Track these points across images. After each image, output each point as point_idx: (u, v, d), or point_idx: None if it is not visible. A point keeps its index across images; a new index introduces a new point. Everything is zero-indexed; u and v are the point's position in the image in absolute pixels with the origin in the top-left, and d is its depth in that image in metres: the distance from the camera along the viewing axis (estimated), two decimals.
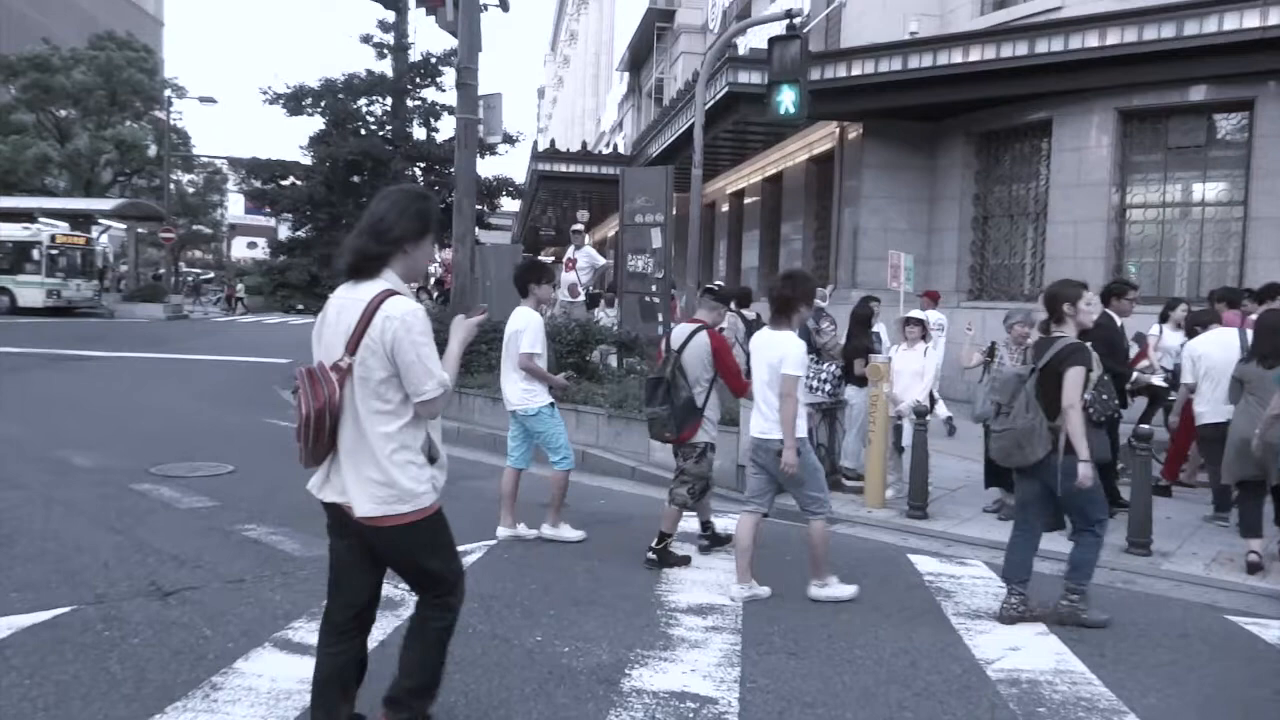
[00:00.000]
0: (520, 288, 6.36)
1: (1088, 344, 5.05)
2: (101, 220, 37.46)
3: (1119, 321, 7.81)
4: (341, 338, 2.92)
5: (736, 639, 4.57)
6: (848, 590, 5.30)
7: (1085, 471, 4.77)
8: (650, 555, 5.81)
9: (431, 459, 3.04)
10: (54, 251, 31.24)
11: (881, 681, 4.14)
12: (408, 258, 3.03)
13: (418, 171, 17.69)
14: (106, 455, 8.64)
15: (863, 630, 4.79)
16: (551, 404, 6.34)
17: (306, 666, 3.91)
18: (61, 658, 3.98)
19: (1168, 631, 4.98)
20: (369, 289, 2.94)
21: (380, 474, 2.93)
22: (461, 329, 3.23)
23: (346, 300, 2.97)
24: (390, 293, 2.92)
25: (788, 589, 5.37)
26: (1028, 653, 4.57)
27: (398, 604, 4.82)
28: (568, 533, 6.37)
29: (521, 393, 6.26)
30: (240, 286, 46.12)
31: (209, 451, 9.04)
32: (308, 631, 4.37)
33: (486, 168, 27.29)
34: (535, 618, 4.75)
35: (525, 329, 6.13)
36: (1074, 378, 4.83)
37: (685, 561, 5.85)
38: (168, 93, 40.65)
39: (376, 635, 4.34)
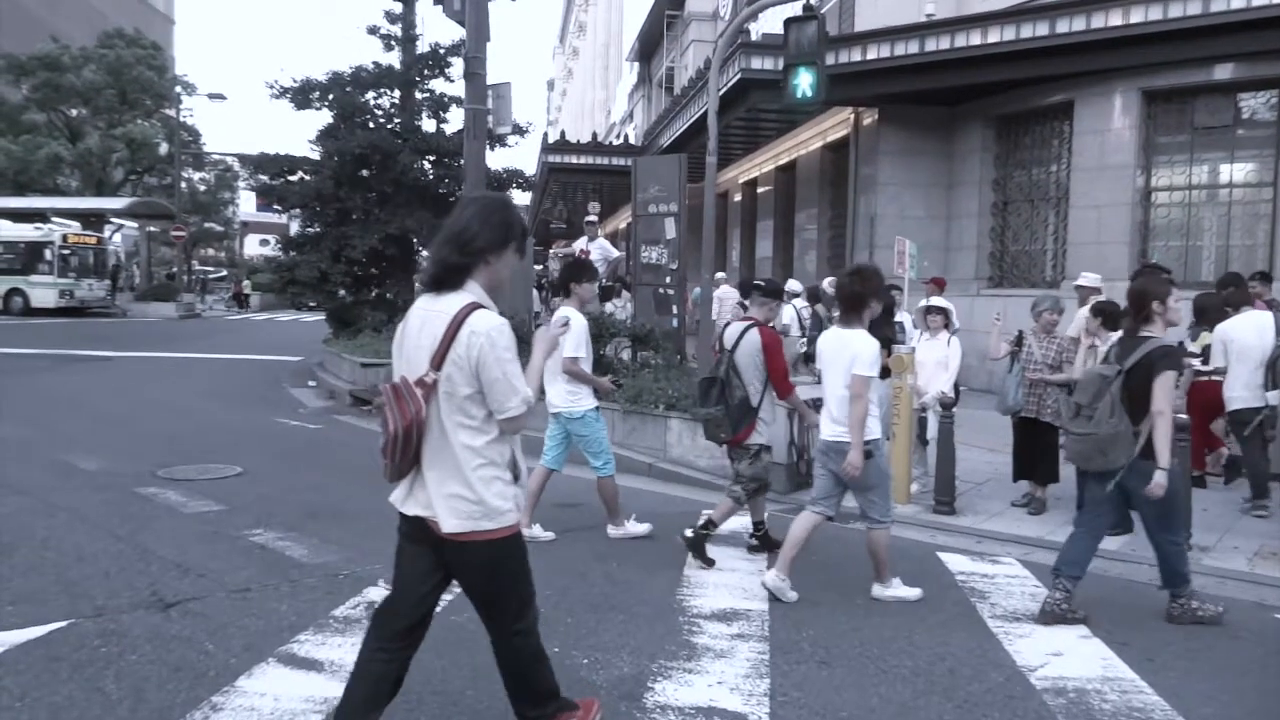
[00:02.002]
0: (561, 287, 6.25)
1: (1179, 344, 4.84)
2: (113, 219, 37.45)
3: None
4: (425, 351, 2.84)
5: (764, 647, 4.34)
6: (912, 592, 5.11)
7: (1160, 480, 4.55)
8: (687, 533, 5.69)
9: (514, 476, 2.97)
10: (66, 251, 31.24)
11: (920, 692, 3.91)
12: (490, 269, 2.93)
13: (427, 164, 17.40)
14: (112, 458, 8.47)
15: (896, 635, 4.55)
16: (596, 407, 6.23)
17: (311, 684, 3.74)
18: (55, 677, 3.79)
19: (1218, 633, 4.72)
20: (453, 301, 2.85)
21: (467, 490, 2.85)
22: (544, 341, 3.18)
23: (429, 312, 2.88)
24: (475, 306, 2.84)
25: (816, 592, 5.15)
26: (1072, 658, 4.33)
27: None
28: (634, 528, 6.31)
29: (566, 395, 6.14)
30: (247, 284, 46.00)
31: (218, 452, 8.86)
32: (313, 645, 4.18)
33: (496, 160, 26.98)
34: (552, 625, 4.52)
35: (568, 332, 5.97)
36: (1166, 383, 4.61)
37: (709, 563, 5.64)
38: (178, 90, 40.59)
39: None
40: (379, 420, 2.91)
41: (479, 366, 2.78)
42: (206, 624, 4.42)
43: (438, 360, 2.80)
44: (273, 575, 5.21)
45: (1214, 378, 7.44)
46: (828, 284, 12.21)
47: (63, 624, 4.36)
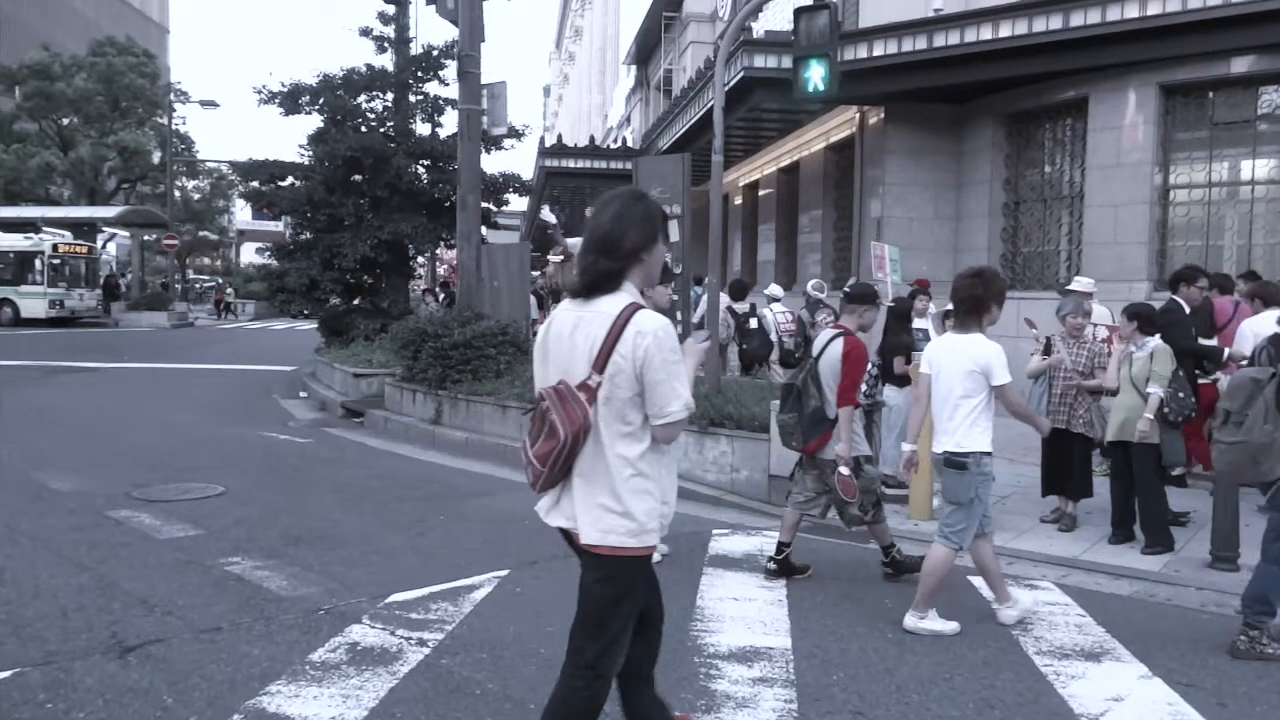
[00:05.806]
0: None
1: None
2: (106, 228, 37.03)
3: (1188, 310, 7.14)
4: (584, 354, 2.71)
5: (790, 694, 3.89)
6: (949, 626, 4.67)
7: None
8: (886, 569, 5.59)
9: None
10: (56, 261, 30.86)
11: None
12: (644, 266, 2.81)
13: (421, 169, 16.96)
14: (88, 477, 8.01)
15: (935, 677, 4.10)
16: None
17: None
18: None
19: None
20: (610, 303, 2.73)
21: (615, 501, 2.70)
22: (694, 354, 3.00)
23: (585, 314, 2.75)
24: (638, 306, 2.72)
25: (842, 625, 4.70)
26: (1135, 704, 3.87)
27: (394, 657, 4.18)
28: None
29: None
30: (230, 291, 45.20)
31: (200, 470, 8.41)
32: (285, 698, 3.72)
33: (492, 163, 26.57)
34: (554, 671, 4.01)
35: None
36: None
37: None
38: (170, 97, 40.19)
39: (367, 701, 3.72)
40: (534, 429, 2.72)
41: (644, 368, 2.65)
42: (168, 672, 3.96)
43: (600, 363, 2.66)
44: (246, 612, 4.75)
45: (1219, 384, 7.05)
46: (811, 287, 11.80)
47: (6, 674, 3.90)
